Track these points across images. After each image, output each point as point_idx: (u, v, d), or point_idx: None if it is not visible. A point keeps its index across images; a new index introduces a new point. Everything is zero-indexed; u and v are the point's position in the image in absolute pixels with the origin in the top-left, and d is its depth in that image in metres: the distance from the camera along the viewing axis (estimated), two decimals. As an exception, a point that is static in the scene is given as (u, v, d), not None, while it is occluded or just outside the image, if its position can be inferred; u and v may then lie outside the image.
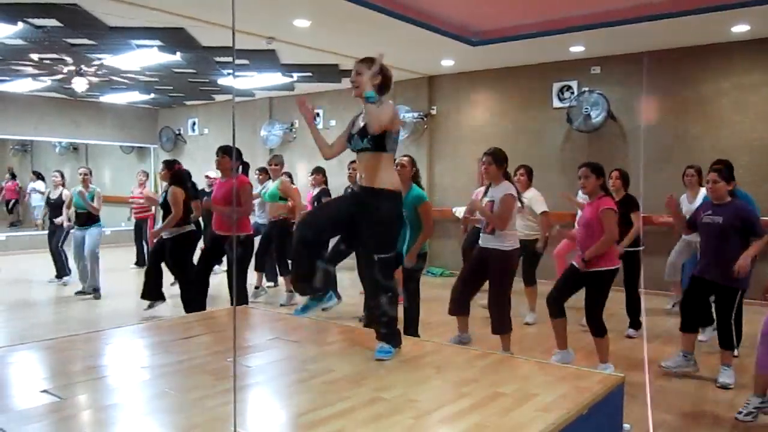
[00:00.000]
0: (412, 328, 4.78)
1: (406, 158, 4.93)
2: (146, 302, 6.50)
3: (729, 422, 3.74)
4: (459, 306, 4.88)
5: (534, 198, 5.99)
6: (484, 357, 3.37)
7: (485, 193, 4.82)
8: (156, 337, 3.81)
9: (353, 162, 5.78)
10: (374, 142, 3.15)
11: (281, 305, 6.98)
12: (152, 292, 6.44)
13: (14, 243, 12.22)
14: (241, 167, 5.99)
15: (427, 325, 5.95)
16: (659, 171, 7.45)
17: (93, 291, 7.51)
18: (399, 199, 3.23)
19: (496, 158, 4.63)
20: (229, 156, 5.75)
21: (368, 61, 3.26)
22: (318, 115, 10.98)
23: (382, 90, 3.28)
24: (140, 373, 3.02)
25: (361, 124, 3.19)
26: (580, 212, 4.78)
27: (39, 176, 14.20)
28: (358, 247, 3.55)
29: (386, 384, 2.79)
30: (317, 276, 3.26)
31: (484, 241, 4.66)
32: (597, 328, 4.37)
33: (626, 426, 3.06)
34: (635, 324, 5.77)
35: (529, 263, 6.11)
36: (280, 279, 7.81)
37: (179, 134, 13.76)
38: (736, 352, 5.08)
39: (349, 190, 3.47)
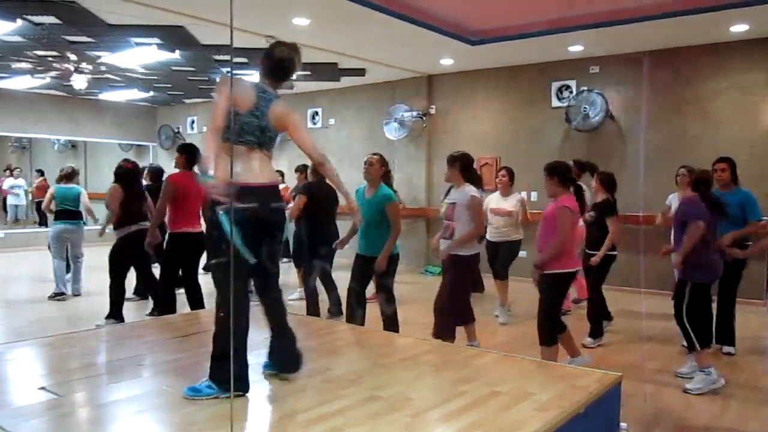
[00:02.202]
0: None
1: (375, 156, 4.79)
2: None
3: (724, 421, 3.75)
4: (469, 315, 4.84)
5: (524, 205, 6.20)
6: (481, 356, 3.38)
7: (446, 195, 4.67)
8: (153, 335, 3.81)
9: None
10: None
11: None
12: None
13: (14, 240, 12.21)
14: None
15: (426, 324, 5.96)
16: (658, 171, 7.46)
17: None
18: None
19: (452, 161, 4.55)
20: (188, 154, 5.42)
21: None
22: (317, 113, 11.01)
23: (275, 75, 2.92)
24: (138, 370, 3.02)
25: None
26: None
27: (39, 173, 14.17)
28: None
29: (383, 382, 2.79)
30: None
31: (444, 245, 4.55)
32: (545, 335, 3.99)
33: (623, 425, 3.07)
34: (595, 333, 5.25)
35: (506, 259, 6.13)
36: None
37: (178, 132, 13.74)
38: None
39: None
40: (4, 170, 14.53)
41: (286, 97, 3.04)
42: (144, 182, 6.98)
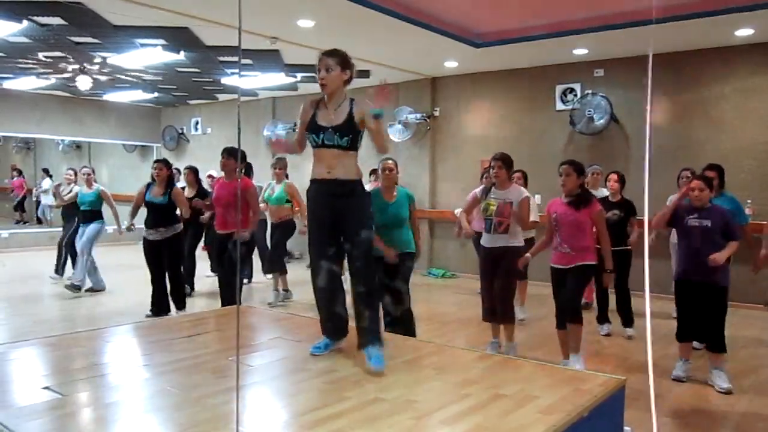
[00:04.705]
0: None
1: (392, 161, 4.80)
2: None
3: (729, 425, 3.74)
4: (494, 312, 4.97)
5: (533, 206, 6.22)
6: (485, 358, 3.38)
7: (486, 195, 4.95)
8: (158, 335, 3.81)
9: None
10: (352, 141, 3.15)
11: (269, 304, 6.98)
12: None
13: (18, 240, 12.25)
14: (244, 169, 6.02)
15: (428, 325, 5.96)
16: (661, 174, 7.43)
17: (72, 286, 7.52)
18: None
19: (506, 163, 4.88)
20: (234, 158, 5.81)
21: (337, 56, 3.15)
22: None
23: (347, 84, 3.27)
24: (142, 370, 3.02)
25: (340, 121, 3.12)
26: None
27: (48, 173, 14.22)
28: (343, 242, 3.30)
29: (387, 384, 2.79)
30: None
31: (495, 240, 4.83)
32: (578, 313, 4.53)
33: (627, 429, 3.06)
34: (628, 322, 5.82)
35: None
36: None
37: (182, 133, 13.77)
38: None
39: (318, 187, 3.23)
40: (11, 171, 14.60)
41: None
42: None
